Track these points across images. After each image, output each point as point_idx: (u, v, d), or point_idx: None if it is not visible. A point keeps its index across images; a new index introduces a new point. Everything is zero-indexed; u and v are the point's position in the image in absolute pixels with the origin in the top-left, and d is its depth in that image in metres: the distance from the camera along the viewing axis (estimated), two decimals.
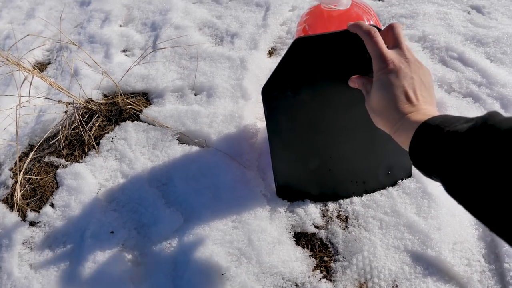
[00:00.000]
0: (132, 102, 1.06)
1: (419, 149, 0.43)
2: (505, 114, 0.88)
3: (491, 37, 1.07)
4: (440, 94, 0.95)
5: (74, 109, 1.04)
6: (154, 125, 0.99)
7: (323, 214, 0.78)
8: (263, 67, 1.09)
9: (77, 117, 1.02)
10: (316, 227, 0.76)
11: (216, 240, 0.74)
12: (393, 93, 0.49)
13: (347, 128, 0.72)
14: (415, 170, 0.79)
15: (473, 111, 0.90)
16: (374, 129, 0.72)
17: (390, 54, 0.51)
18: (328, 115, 0.70)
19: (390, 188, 0.79)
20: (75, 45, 0.99)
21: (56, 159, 0.99)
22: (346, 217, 0.76)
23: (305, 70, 0.65)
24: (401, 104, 0.49)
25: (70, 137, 1.02)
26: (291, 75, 0.66)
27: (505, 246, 0.69)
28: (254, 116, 0.95)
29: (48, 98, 1.01)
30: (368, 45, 0.53)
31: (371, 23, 0.69)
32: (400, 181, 0.80)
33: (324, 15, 0.70)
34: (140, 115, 1.03)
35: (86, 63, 1.12)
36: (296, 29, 0.75)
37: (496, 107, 0.90)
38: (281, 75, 0.66)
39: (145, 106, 1.06)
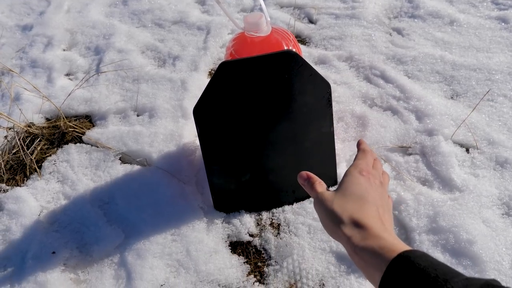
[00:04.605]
0: (75, 125, 1.08)
1: None
2: (419, 125, 0.99)
3: (409, 56, 1.19)
4: (363, 108, 1.05)
5: (14, 134, 1.05)
6: (97, 147, 1.02)
7: (257, 223, 0.83)
8: (203, 87, 1.14)
9: (17, 142, 1.02)
10: (251, 235, 0.81)
11: (156, 253, 0.78)
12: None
13: (275, 143, 0.79)
14: (339, 178, 0.87)
15: (392, 123, 0.99)
16: (299, 143, 0.80)
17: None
18: (256, 132, 0.77)
19: None
20: (12, 71, 1.00)
21: None
22: (278, 225, 0.83)
23: (232, 91, 0.72)
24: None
25: (11, 161, 1.03)
26: (219, 96, 0.72)
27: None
28: (193, 134, 1.00)
29: None
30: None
31: (290, 47, 0.77)
32: None
33: (247, 41, 0.77)
34: (83, 137, 1.05)
35: (26, 89, 1.13)
36: (225, 53, 0.82)
37: (412, 118, 1.00)
38: (210, 96, 0.72)
39: (88, 128, 1.09)
